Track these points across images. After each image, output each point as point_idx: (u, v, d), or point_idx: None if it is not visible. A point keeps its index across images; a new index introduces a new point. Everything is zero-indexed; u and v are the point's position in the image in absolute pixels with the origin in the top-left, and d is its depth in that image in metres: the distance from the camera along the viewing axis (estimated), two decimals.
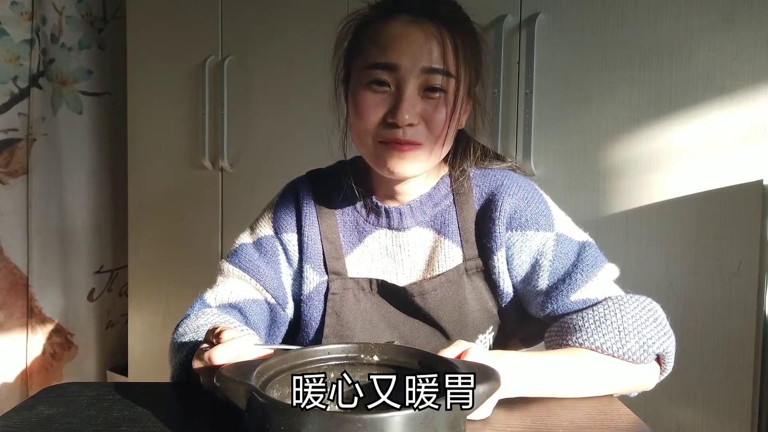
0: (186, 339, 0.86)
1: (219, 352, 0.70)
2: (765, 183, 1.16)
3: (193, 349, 0.82)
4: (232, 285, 0.96)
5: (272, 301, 0.96)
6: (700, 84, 1.22)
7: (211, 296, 0.95)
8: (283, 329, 0.99)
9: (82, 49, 2.42)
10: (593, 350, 0.80)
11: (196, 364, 0.74)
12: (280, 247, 0.98)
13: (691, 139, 1.23)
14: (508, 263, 0.92)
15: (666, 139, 1.26)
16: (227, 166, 2.01)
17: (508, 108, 1.44)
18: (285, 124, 1.88)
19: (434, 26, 0.85)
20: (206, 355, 0.71)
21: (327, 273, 0.96)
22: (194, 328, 0.88)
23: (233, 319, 0.91)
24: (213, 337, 0.74)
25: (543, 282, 0.89)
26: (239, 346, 0.71)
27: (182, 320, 0.92)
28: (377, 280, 0.94)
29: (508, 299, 0.94)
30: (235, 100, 1.98)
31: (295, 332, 0.99)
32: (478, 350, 0.72)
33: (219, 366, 0.68)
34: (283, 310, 0.97)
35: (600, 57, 1.33)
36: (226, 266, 0.98)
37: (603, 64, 1.33)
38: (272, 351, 0.72)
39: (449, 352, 0.72)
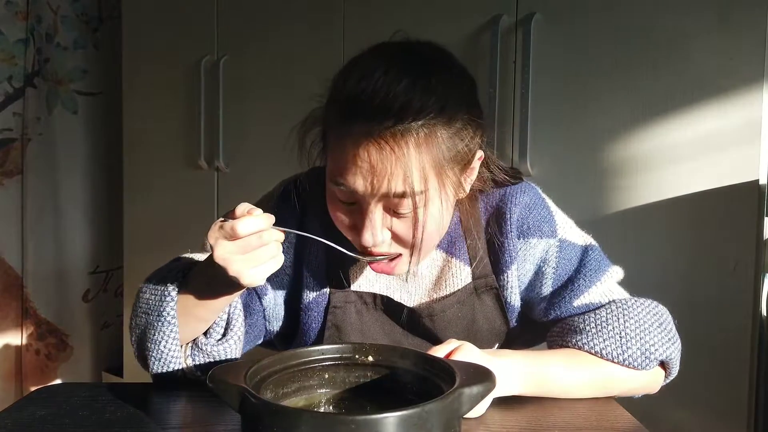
0: (169, 271, 0.84)
1: (246, 221, 0.66)
2: (761, 183, 1.16)
3: (187, 267, 0.80)
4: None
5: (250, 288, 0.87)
6: (696, 84, 1.22)
7: (188, 256, 0.92)
8: (257, 318, 0.90)
9: (77, 48, 2.42)
10: (593, 354, 0.79)
11: (212, 237, 0.69)
12: None
13: (687, 139, 1.23)
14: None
15: (662, 139, 1.26)
16: (223, 166, 2.00)
17: (504, 108, 1.43)
18: (281, 123, 1.86)
19: (392, 140, 0.70)
20: (228, 224, 0.67)
21: (328, 284, 0.91)
22: (174, 266, 0.84)
23: None
24: (232, 215, 0.69)
25: (546, 289, 0.88)
26: (266, 219, 0.68)
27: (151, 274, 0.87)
28: (381, 295, 0.90)
29: (516, 313, 0.91)
30: (230, 100, 1.98)
31: (291, 339, 0.95)
32: (469, 348, 0.71)
33: (240, 237, 0.66)
34: (260, 299, 0.90)
35: (596, 56, 1.33)
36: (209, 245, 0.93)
37: (599, 63, 1.32)
38: (282, 235, 0.70)
39: (440, 350, 0.72)
